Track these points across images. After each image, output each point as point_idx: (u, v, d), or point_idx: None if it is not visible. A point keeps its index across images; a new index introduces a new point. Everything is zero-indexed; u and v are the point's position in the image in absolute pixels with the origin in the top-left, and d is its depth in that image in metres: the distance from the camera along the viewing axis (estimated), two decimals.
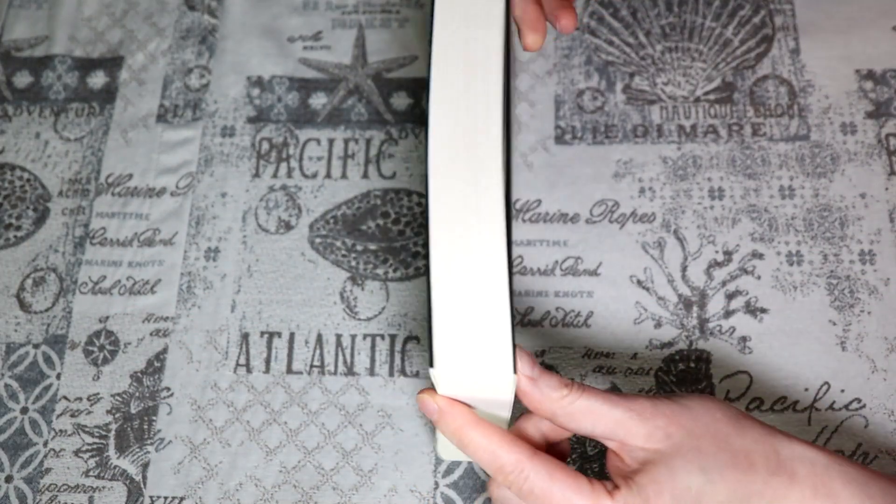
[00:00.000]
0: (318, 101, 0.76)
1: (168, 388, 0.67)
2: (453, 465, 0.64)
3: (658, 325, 0.67)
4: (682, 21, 0.76)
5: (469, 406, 0.50)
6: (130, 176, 0.74)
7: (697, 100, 0.73)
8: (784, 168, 0.71)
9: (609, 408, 0.50)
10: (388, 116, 0.75)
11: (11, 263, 0.71)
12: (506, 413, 0.52)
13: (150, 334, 0.68)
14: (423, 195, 0.70)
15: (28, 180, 0.74)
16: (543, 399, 0.50)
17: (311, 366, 0.67)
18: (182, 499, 0.63)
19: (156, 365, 0.67)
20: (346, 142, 0.74)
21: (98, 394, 0.67)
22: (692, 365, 0.65)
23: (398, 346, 0.67)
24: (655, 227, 0.69)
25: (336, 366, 0.67)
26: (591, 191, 0.71)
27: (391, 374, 0.66)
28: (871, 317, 0.66)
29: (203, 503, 0.63)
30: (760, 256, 0.68)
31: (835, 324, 0.66)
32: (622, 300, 0.67)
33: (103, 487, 0.64)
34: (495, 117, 0.49)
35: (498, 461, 0.50)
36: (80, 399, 0.67)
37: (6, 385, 0.67)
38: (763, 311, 0.66)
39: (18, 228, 0.72)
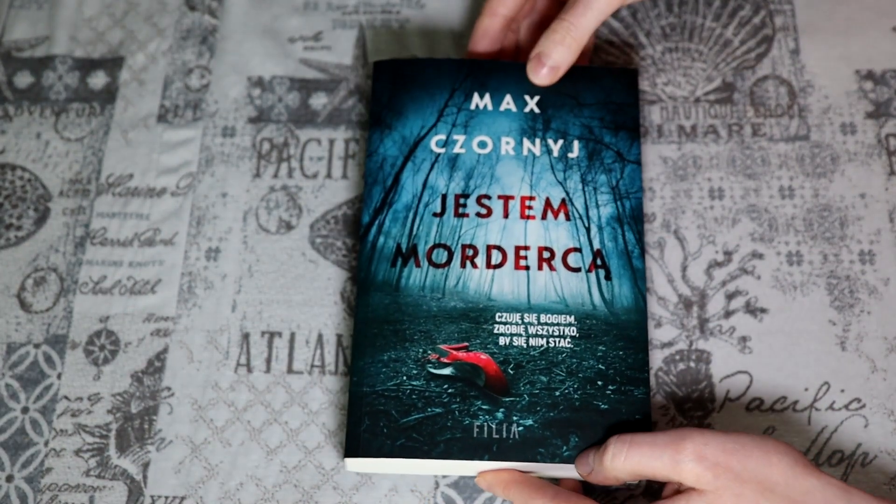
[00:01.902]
0: (319, 101, 0.76)
1: (169, 388, 0.67)
2: None
3: (658, 325, 0.67)
4: (682, 21, 0.76)
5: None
6: (131, 176, 0.74)
7: (697, 100, 0.73)
8: (784, 168, 0.71)
9: (660, 453, 0.54)
10: None
11: (12, 263, 0.71)
12: None
13: (151, 334, 0.68)
14: None
15: (29, 180, 0.74)
16: (606, 474, 0.56)
17: (312, 366, 0.67)
18: (183, 498, 0.63)
19: (156, 365, 0.67)
20: (347, 142, 0.74)
21: (99, 393, 0.67)
22: (692, 365, 0.65)
23: None
24: (655, 227, 0.70)
25: (337, 366, 0.67)
26: None
27: None
28: (870, 317, 0.66)
29: (204, 503, 0.63)
30: (760, 256, 0.68)
31: (834, 324, 0.66)
32: None
33: (104, 487, 0.64)
34: None
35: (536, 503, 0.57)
36: (80, 399, 0.67)
37: (7, 385, 0.67)
38: (763, 311, 0.66)
39: (19, 228, 0.73)
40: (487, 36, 0.70)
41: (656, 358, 0.66)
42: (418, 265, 0.64)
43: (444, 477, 0.63)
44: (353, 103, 0.75)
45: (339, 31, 0.78)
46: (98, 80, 0.78)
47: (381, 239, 0.65)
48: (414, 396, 0.60)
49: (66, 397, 0.67)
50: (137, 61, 0.78)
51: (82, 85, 0.77)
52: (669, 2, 0.77)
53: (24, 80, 0.78)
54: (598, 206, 0.65)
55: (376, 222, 0.65)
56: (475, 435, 0.59)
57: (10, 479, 0.65)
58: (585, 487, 0.61)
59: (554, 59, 0.66)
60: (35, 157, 0.75)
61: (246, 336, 0.68)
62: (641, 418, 0.59)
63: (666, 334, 0.66)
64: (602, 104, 0.68)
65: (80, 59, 0.78)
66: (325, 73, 0.77)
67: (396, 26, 0.78)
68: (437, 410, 0.60)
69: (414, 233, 0.65)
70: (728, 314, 0.67)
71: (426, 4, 0.79)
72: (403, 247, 0.65)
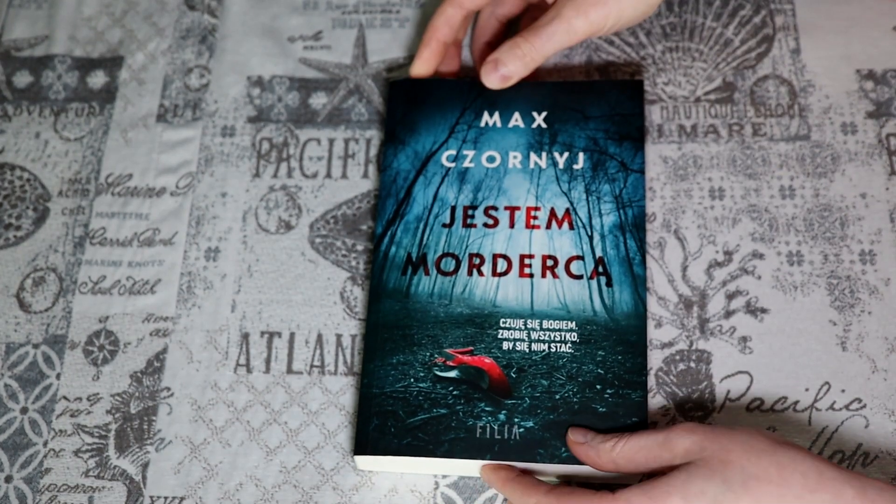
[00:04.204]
0: (319, 100, 0.76)
1: (168, 388, 0.67)
2: None
3: (658, 325, 0.67)
4: (682, 21, 0.76)
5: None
6: (130, 176, 0.74)
7: (698, 100, 0.73)
8: (784, 168, 0.71)
9: (654, 436, 0.56)
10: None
11: (11, 263, 0.71)
12: None
13: (150, 334, 0.68)
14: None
15: (28, 180, 0.74)
16: (600, 454, 0.58)
17: (312, 366, 0.67)
18: (182, 499, 0.63)
19: (156, 365, 0.67)
20: (347, 142, 0.74)
21: (98, 394, 0.67)
22: (692, 365, 0.65)
23: None
24: (656, 227, 0.69)
25: (336, 366, 0.67)
26: None
27: None
28: (871, 317, 0.66)
29: (203, 503, 0.63)
30: (761, 256, 0.68)
31: (835, 324, 0.66)
32: None
33: (103, 487, 0.64)
34: None
35: (530, 499, 0.58)
36: (79, 399, 0.67)
37: (6, 385, 0.67)
38: (763, 311, 0.66)
39: (18, 228, 0.72)
40: (449, 25, 0.72)
41: (656, 358, 0.66)
42: (427, 273, 0.66)
43: (444, 477, 0.63)
44: (352, 103, 0.75)
45: (339, 31, 0.78)
46: (97, 79, 0.77)
47: (393, 249, 0.67)
48: (420, 398, 0.62)
49: (65, 397, 0.67)
50: (137, 61, 0.78)
51: (81, 84, 0.77)
52: (669, 1, 0.77)
53: (23, 79, 0.78)
54: (601, 215, 0.67)
55: (389, 233, 0.68)
56: (478, 435, 0.60)
57: (9, 479, 0.64)
58: None
59: (509, 69, 0.69)
60: (34, 156, 0.75)
61: (245, 336, 0.68)
62: (638, 421, 0.60)
63: (666, 334, 0.66)
64: (607, 116, 0.70)
65: (79, 58, 0.78)
66: (325, 72, 0.77)
67: (396, 26, 0.78)
68: (443, 411, 0.61)
69: (424, 242, 0.67)
70: (728, 314, 0.66)
71: (426, 4, 0.79)
72: (414, 256, 0.67)
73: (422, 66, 0.72)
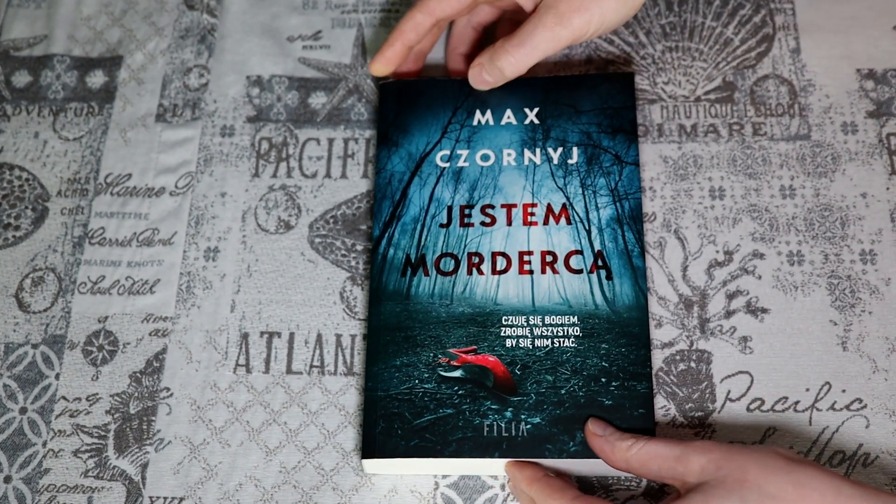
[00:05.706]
0: (318, 100, 0.76)
1: (167, 389, 0.66)
2: None
3: (659, 325, 0.66)
4: (682, 20, 0.76)
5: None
6: (129, 176, 0.74)
7: (698, 99, 0.73)
8: (785, 168, 0.71)
9: (671, 448, 0.56)
10: None
11: (10, 263, 0.71)
12: None
13: (150, 334, 0.68)
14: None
15: (27, 180, 0.74)
16: (615, 451, 0.58)
17: (311, 366, 0.67)
18: (181, 499, 0.63)
19: (155, 365, 0.67)
20: (346, 141, 0.74)
21: (97, 394, 0.67)
22: (693, 365, 0.65)
23: None
24: (656, 227, 0.69)
25: (336, 366, 0.67)
26: None
27: None
28: (872, 317, 0.66)
29: None
30: (761, 256, 0.68)
31: (836, 324, 0.66)
32: None
33: (102, 488, 0.64)
34: None
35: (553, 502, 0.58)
36: (78, 399, 0.66)
37: (5, 385, 0.67)
38: (764, 310, 0.66)
39: (17, 228, 0.72)
40: (416, 31, 0.71)
41: (657, 358, 0.65)
42: (427, 274, 0.66)
43: (444, 477, 0.63)
44: (352, 102, 0.75)
45: (339, 30, 0.78)
46: (96, 79, 0.77)
47: (392, 250, 0.67)
48: (426, 399, 0.62)
49: (64, 398, 0.66)
50: (136, 60, 0.78)
51: (80, 84, 0.77)
52: (669, 1, 0.77)
53: (22, 79, 0.78)
54: (597, 209, 0.67)
55: (386, 235, 0.68)
56: (485, 434, 0.61)
57: (8, 479, 0.64)
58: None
59: (493, 76, 0.69)
60: (33, 156, 0.75)
61: (245, 336, 0.68)
62: (645, 413, 0.60)
63: (666, 334, 0.66)
64: (599, 110, 0.70)
65: (78, 58, 0.78)
66: (324, 72, 0.77)
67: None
68: (449, 411, 0.62)
69: (422, 243, 0.67)
70: (729, 314, 0.66)
71: None
72: (412, 257, 0.67)
73: (381, 66, 0.71)
